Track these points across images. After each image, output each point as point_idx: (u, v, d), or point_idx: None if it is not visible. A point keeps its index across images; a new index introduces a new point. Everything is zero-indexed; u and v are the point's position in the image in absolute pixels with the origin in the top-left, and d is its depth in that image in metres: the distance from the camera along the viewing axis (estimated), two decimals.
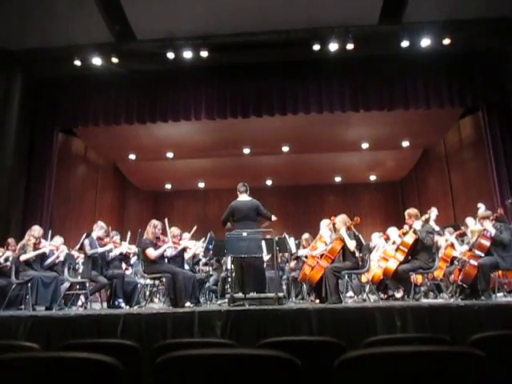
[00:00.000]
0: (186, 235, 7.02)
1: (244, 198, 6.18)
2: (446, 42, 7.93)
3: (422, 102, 8.80)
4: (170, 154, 11.98)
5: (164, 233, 6.15)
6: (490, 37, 8.14)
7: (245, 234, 5.38)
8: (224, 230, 6.04)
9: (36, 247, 6.16)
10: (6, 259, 6.45)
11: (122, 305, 5.86)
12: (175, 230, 6.53)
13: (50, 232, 6.54)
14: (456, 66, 8.78)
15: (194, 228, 6.98)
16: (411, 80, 8.85)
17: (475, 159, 9.99)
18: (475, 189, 9.83)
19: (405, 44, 7.96)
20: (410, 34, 7.91)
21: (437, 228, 6.73)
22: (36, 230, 6.32)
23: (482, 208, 6.36)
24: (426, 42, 7.95)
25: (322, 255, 5.86)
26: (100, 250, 6.05)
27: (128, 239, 6.84)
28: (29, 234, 6.23)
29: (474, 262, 5.41)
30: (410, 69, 8.74)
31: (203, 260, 7.34)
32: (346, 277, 5.61)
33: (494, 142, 8.66)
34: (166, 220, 6.12)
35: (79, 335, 4.31)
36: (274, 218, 6.10)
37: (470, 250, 5.79)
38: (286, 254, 7.49)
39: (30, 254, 6.02)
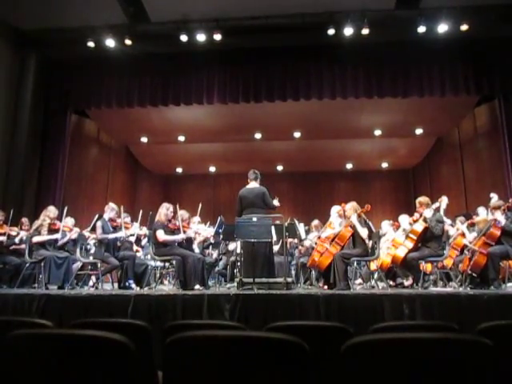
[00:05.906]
0: (196, 219, 7.06)
1: (252, 185, 6.16)
2: (464, 27, 7.76)
3: (437, 90, 8.65)
4: (181, 138, 11.98)
5: (175, 216, 6.18)
6: (508, 23, 7.93)
7: (255, 218, 5.39)
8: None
9: (51, 228, 6.23)
10: (21, 240, 6.56)
11: (133, 286, 5.93)
12: (184, 214, 6.54)
13: (64, 212, 6.60)
14: (473, 52, 8.60)
15: (199, 206, 6.94)
16: (426, 67, 8.71)
17: (490, 148, 9.85)
18: (488, 178, 9.71)
19: (421, 30, 7.80)
20: (426, 20, 7.74)
21: (448, 221, 6.70)
22: (51, 210, 6.37)
23: (494, 198, 6.31)
24: (443, 28, 7.78)
25: (332, 240, 5.86)
26: (110, 236, 6.08)
27: (139, 221, 6.89)
28: (44, 215, 6.29)
29: (483, 251, 5.39)
30: (425, 55, 8.59)
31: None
32: (355, 264, 5.61)
33: (509, 131, 8.51)
34: (177, 206, 6.16)
35: (90, 314, 4.38)
36: (276, 203, 6.05)
37: (477, 235, 5.79)
38: (296, 240, 7.52)
39: (43, 238, 6.10)
